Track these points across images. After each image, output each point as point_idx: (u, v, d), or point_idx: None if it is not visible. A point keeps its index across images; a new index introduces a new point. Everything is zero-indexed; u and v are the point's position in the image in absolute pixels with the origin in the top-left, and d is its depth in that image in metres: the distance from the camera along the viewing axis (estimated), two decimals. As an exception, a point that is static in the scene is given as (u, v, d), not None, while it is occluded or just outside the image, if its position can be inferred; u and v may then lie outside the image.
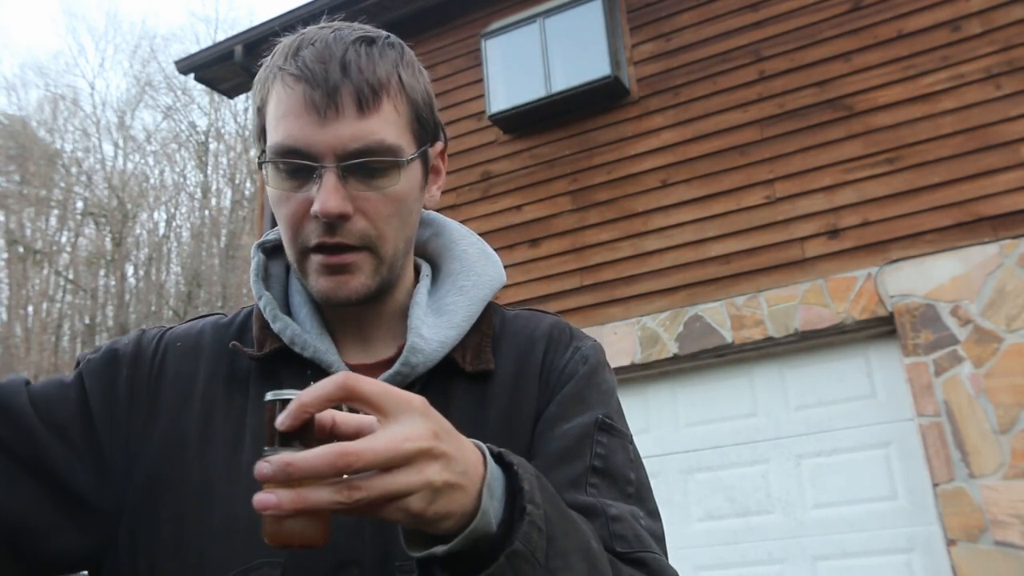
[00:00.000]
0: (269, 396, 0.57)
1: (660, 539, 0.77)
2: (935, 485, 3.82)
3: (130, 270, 22.20)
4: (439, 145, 0.86)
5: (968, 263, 4.02)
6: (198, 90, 21.67)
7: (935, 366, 3.95)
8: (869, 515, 4.05)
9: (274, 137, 0.77)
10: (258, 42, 6.23)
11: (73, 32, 41.76)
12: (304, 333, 0.83)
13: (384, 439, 0.53)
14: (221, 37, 20.65)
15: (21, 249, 21.39)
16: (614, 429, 0.82)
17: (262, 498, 0.51)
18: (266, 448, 0.55)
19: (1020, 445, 3.71)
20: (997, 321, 3.90)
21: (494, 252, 0.95)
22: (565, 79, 5.14)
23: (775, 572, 4.18)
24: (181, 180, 23.04)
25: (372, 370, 0.83)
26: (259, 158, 0.81)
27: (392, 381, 0.79)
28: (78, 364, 0.85)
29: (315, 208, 0.75)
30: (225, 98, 7.97)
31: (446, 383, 0.83)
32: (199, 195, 22.42)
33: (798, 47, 4.72)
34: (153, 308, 21.61)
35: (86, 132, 22.97)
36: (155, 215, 23.10)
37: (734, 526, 4.33)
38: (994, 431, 3.76)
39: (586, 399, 0.82)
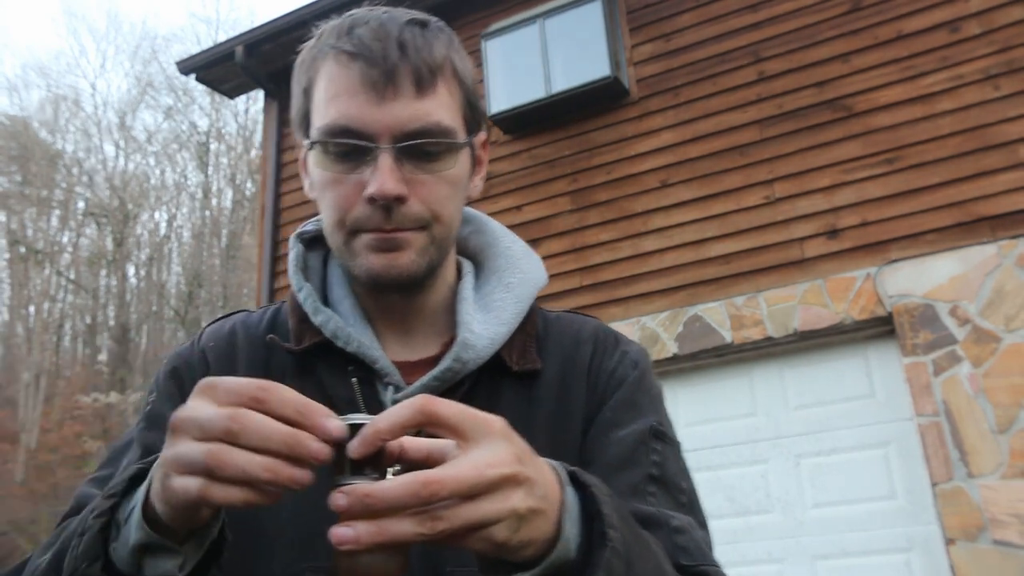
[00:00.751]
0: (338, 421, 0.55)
1: (711, 549, 0.76)
2: (934, 485, 3.83)
3: (131, 270, 22.23)
4: (483, 135, 0.84)
5: (967, 263, 4.03)
6: (199, 91, 21.71)
7: (934, 366, 3.96)
8: (868, 515, 4.06)
9: (325, 117, 0.74)
10: (259, 43, 6.24)
11: (74, 33, 41.81)
12: (347, 326, 0.80)
13: (467, 466, 0.50)
14: (222, 38, 20.69)
15: (23, 249, 21.42)
16: (667, 437, 0.80)
17: (340, 532, 0.48)
18: (337, 477, 0.52)
19: (1018, 445, 3.72)
20: (996, 321, 3.91)
21: (535, 252, 0.93)
22: (565, 80, 5.16)
23: (775, 571, 4.19)
24: (182, 180, 23.07)
25: (416, 368, 0.81)
26: (305, 141, 0.78)
27: (443, 378, 0.77)
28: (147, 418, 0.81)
29: (371, 190, 0.72)
30: (226, 99, 7.98)
31: (494, 382, 0.80)
32: (200, 195, 22.45)
33: (798, 48, 4.73)
34: (154, 308, 21.63)
35: (87, 132, 23.01)
36: (156, 215, 23.14)
37: (734, 525, 4.34)
38: (992, 431, 3.77)
39: (638, 405, 0.81)
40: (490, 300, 0.84)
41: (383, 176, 0.72)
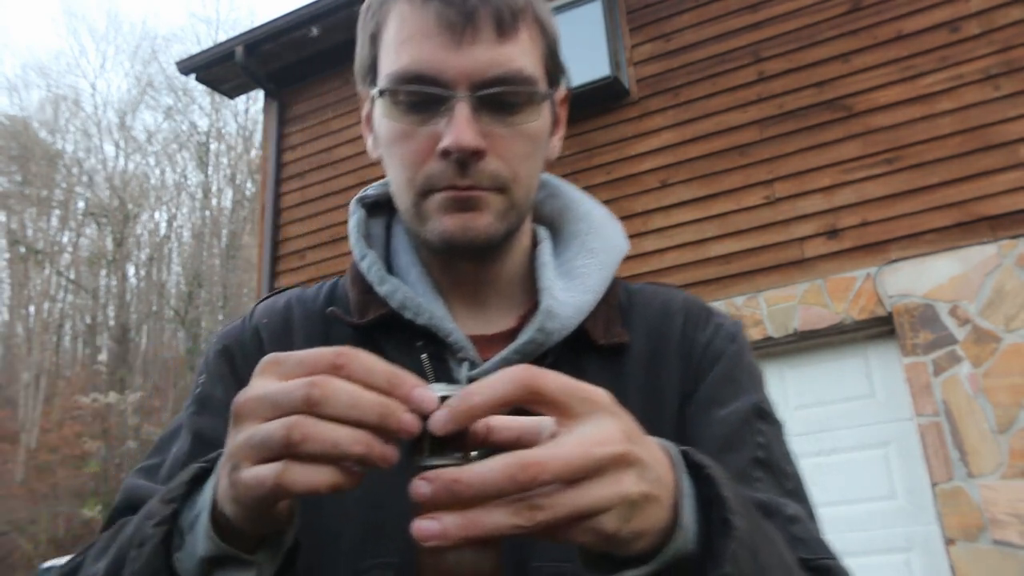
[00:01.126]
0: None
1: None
2: (934, 485, 3.84)
3: (131, 270, 22.23)
4: (563, 91, 0.78)
5: (967, 263, 4.03)
6: (199, 91, 21.73)
7: (934, 366, 3.96)
8: (868, 515, 4.06)
9: (396, 63, 0.67)
10: (259, 43, 6.24)
11: (74, 33, 41.82)
12: (419, 296, 0.73)
13: (572, 444, 0.43)
14: (222, 38, 20.71)
15: (23, 249, 21.43)
16: (771, 416, 0.74)
17: (424, 526, 0.40)
18: (416, 457, 0.44)
19: (1018, 444, 3.72)
20: (996, 321, 3.91)
21: (615, 217, 0.84)
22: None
23: (774, 571, 4.19)
24: (182, 180, 23.07)
25: (491, 343, 0.74)
26: (373, 90, 0.71)
27: (524, 351, 0.70)
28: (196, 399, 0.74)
29: (446, 143, 0.65)
30: (226, 99, 7.98)
31: (578, 357, 0.73)
32: (200, 195, 22.45)
33: (797, 48, 4.73)
34: (154, 308, 21.63)
35: (87, 132, 23.00)
36: (156, 215, 23.14)
37: (733, 525, 4.34)
38: (992, 431, 3.77)
39: (738, 381, 0.74)
40: (572, 266, 0.77)
41: (460, 127, 0.65)
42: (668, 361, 0.75)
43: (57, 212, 22.29)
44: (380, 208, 0.82)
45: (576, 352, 0.73)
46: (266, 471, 0.43)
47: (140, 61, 30.10)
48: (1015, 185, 4.03)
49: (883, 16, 4.55)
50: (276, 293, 0.83)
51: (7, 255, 21.81)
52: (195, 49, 21.38)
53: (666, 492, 0.47)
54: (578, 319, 0.72)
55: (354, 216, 0.79)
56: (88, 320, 21.77)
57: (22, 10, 36.91)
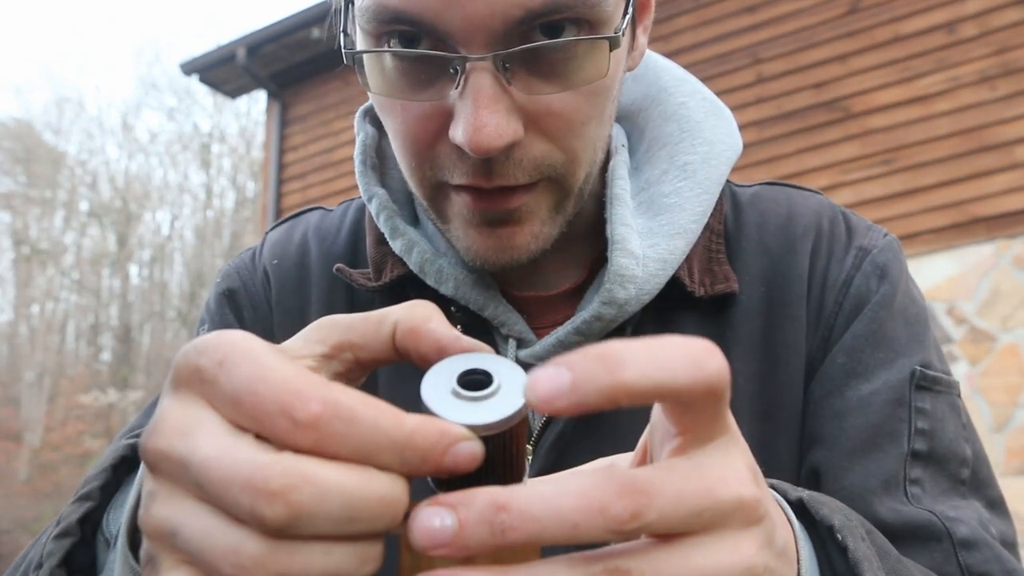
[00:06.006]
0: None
1: (1013, 546, 0.50)
2: (930, 483, 3.86)
3: (134, 270, 22.30)
4: None
5: (963, 263, 4.06)
6: (201, 92, 21.79)
7: (930, 365, 3.99)
8: (865, 513, 4.09)
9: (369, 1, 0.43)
10: (261, 44, 6.27)
11: (78, 35, 41.94)
12: (440, 257, 0.53)
13: (690, 473, 0.25)
14: (224, 40, 20.76)
15: (27, 249, 21.53)
16: (938, 382, 0.52)
17: None
18: (431, 479, 0.27)
19: (1015, 443, 3.74)
20: (992, 321, 3.93)
21: (722, 103, 0.61)
22: (565, 81, 5.18)
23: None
24: (184, 181, 23.14)
25: (552, 305, 0.55)
26: (342, 36, 0.48)
27: (587, 331, 0.50)
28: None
29: (459, 138, 0.43)
30: (228, 100, 8.03)
31: (667, 319, 0.53)
32: (202, 196, 22.52)
33: (796, 49, 4.76)
34: (157, 308, 21.70)
35: (90, 134, 23.10)
36: (158, 216, 23.21)
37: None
38: (989, 429, 3.80)
39: (890, 339, 0.53)
40: (658, 193, 0.55)
41: (480, 114, 0.41)
42: (791, 312, 0.54)
43: (60, 212, 22.38)
44: None
45: (664, 313, 0.53)
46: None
47: (143, 63, 30.22)
48: (1011, 186, 4.06)
49: (881, 18, 4.57)
50: (294, 216, 0.65)
51: (11, 255, 21.91)
52: (197, 51, 21.47)
53: (792, 567, 0.31)
54: (664, 276, 0.52)
55: (358, 138, 0.58)
56: (91, 320, 21.85)
57: (26, 12, 37.08)
